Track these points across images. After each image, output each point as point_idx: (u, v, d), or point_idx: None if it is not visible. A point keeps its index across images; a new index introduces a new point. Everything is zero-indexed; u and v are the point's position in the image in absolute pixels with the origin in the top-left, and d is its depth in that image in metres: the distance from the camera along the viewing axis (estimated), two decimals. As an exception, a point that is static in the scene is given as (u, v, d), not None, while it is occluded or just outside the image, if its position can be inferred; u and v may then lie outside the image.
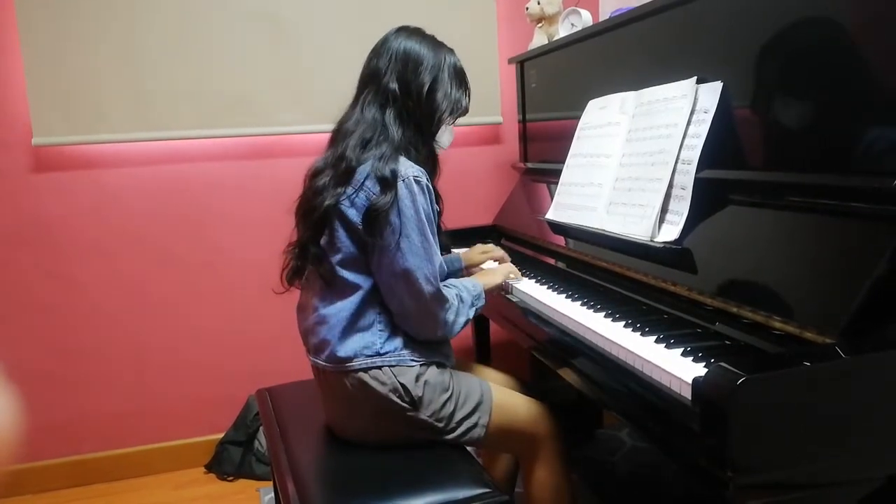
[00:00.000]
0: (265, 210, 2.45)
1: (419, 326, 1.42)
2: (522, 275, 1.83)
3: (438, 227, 1.50)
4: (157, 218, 2.41)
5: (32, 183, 2.30)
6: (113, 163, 2.36)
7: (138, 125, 2.32)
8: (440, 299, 1.41)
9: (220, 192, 2.46)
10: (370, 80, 1.48)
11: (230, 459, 2.44)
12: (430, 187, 1.42)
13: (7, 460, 0.58)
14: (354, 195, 1.37)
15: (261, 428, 2.41)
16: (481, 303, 1.56)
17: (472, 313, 1.51)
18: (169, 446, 2.50)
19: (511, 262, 1.88)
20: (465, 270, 1.87)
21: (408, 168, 1.39)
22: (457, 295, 1.48)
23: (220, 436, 2.49)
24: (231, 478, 2.43)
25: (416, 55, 1.47)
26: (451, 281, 1.54)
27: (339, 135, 1.47)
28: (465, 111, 1.58)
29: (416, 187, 1.37)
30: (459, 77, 1.55)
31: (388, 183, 1.35)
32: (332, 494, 1.28)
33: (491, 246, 1.94)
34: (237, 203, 2.48)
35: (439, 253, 1.44)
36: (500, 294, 1.76)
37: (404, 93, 1.45)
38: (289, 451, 1.46)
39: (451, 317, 1.44)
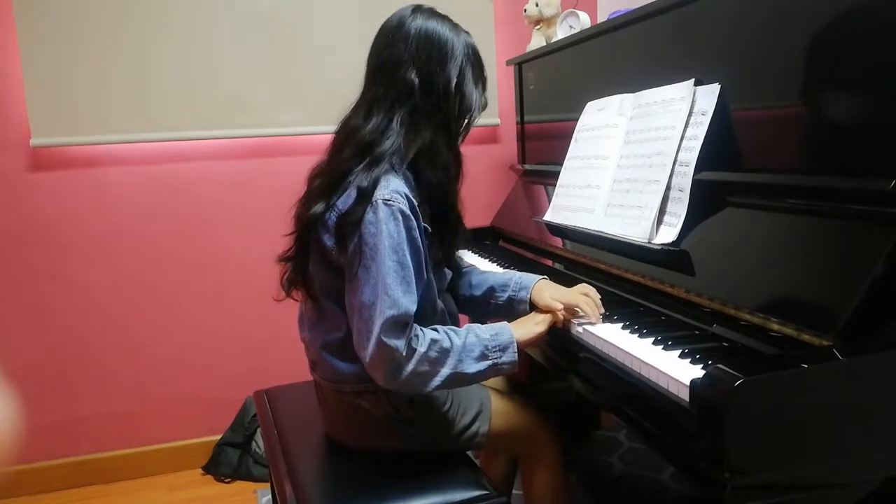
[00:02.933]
0: (264, 211, 2.45)
1: (371, 370, 1.21)
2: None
3: (442, 247, 1.35)
4: (155, 219, 2.41)
5: (31, 184, 2.30)
6: (111, 164, 2.36)
7: (137, 126, 2.32)
8: (384, 349, 1.16)
9: (218, 193, 2.46)
10: (382, 71, 1.28)
11: (227, 461, 2.44)
12: (407, 213, 1.20)
13: (4, 461, 0.58)
14: (327, 216, 1.24)
15: (258, 430, 2.41)
16: (508, 358, 1.25)
17: (480, 367, 1.24)
18: (166, 448, 2.50)
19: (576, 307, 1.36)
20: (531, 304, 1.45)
21: (383, 187, 1.20)
22: (434, 341, 1.21)
23: (218, 437, 2.49)
24: (228, 479, 2.43)
25: (440, 41, 1.26)
26: (471, 326, 1.30)
27: (340, 134, 1.33)
28: (486, 106, 1.38)
29: (383, 212, 1.18)
30: (480, 65, 1.34)
31: (363, 195, 1.19)
32: (330, 497, 1.28)
33: (583, 296, 1.36)
34: (236, 204, 2.48)
35: (403, 292, 1.18)
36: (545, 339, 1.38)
37: (427, 87, 1.25)
38: (286, 453, 1.46)
39: (412, 366, 1.19)
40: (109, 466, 2.44)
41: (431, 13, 1.32)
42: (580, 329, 1.31)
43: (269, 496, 2.17)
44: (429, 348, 1.21)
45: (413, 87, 1.25)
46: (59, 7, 2.21)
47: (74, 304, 2.37)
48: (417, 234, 1.24)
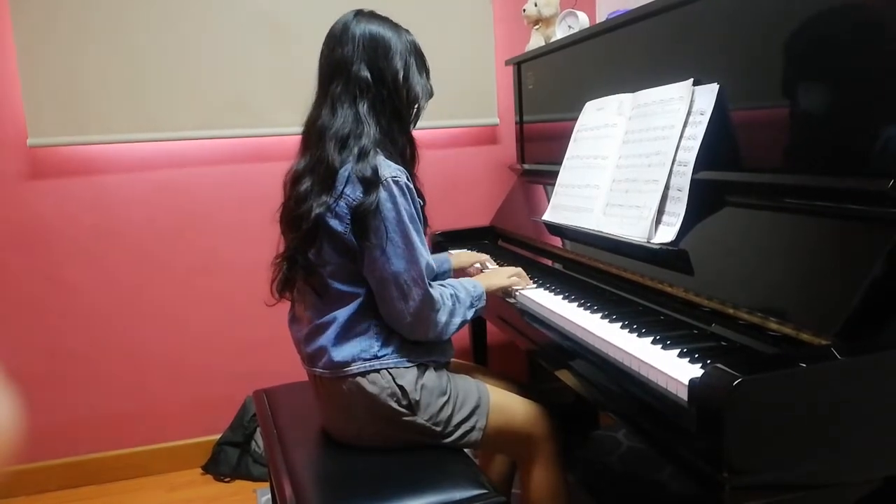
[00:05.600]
0: (263, 212, 2.39)
1: (410, 329, 1.38)
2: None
3: (423, 221, 1.47)
4: (153, 219, 2.41)
5: (27, 184, 2.30)
6: (109, 164, 2.36)
7: (134, 126, 2.31)
8: (430, 300, 1.37)
9: (217, 193, 2.46)
10: (337, 71, 1.40)
11: (227, 460, 2.44)
12: (410, 186, 1.38)
13: (4, 462, 0.58)
14: (335, 204, 1.33)
15: (258, 429, 2.41)
16: (481, 304, 1.52)
17: (470, 314, 1.48)
18: (166, 447, 2.50)
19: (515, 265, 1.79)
20: (455, 272, 1.84)
21: (385, 168, 1.34)
22: (452, 295, 1.45)
23: (217, 437, 2.49)
24: (228, 479, 2.43)
25: (383, 39, 1.40)
26: (450, 281, 1.52)
27: (312, 135, 1.42)
28: (433, 93, 1.51)
29: (395, 189, 1.33)
30: (422, 58, 1.48)
31: (370, 183, 1.32)
32: (329, 496, 1.28)
33: (481, 255, 1.92)
34: (235, 204, 2.48)
35: (427, 251, 1.41)
36: (499, 297, 1.72)
37: (378, 81, 1.39)
38: (286, 452, 1.46)
39: (443, 318, 1.41)
40: (109, 466, 2.44)
41: (372, 16, 1.45)
42: (519, 294, 1.67)
43: (269, 495, 2.17)
44: (448, 301, 1.43)
45: (368, 81, 1.39)
46: (56, 5, 2.21)
47: (73, 304, 2.37)
48: (418, 206, 1.42)
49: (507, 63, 2.46)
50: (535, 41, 2.35)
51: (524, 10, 2.34)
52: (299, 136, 2.39)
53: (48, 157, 2.31)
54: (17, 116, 2.25)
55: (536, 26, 2.35)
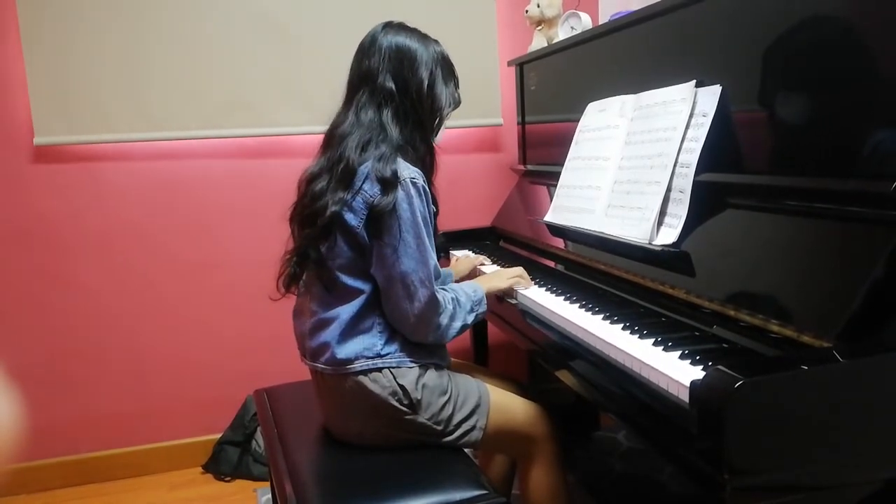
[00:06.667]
0: (265, 211, 2.45)
1: (413, 329, 1.40)
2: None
3: (434, 228, 1.48)
4: (157, 219, 2.41)
5: (34, 183, 2.30)
6: (114, 163, 2.36)
7: (140, 125, 2.32)
8: (435, 303, 1.39)
9: (219, 193, 2.46)
10: (363, 81, 1.45)
11: (227, 460, 2.44)
12: (427, 189, 1.41)
13: (5, 460, 0.58)
14: (352, 200, 1.36)
15: (258, 428, 2.41)
16: (482, 308, 1.53)
17: (471, 319, 1.49)
18: (166, 446, 2.50)
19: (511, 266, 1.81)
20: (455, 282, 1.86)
21: (404, 169, 1.37)
22: (453, 299, 1.46)
23: (218, 436, 2.49)
24: (228, 478, 2.43)
25: (409, 51, 1.44)
26: (452, 285, 1.53)
27: (333, 139, 1.44)
28: (460, 102, 1.55)
29: (412, 189, 1.36)
30: (449, 68, 1.52)
31: (389, 183, 1.34)
32: (329, 495, 1.28)
33: (474, 256, 1.97)
34: (237, 204, 2.48)
35: (435, 255, 1.43)
36: (501, 298, 1.72)
37: (402, 91, 1.43)
38: (286, 451, 1.46)
39: (444, 321, 1.42)
40: (109, 465, 2.44)
41: (400, 27, 1.49)
42: (520, 294, 1.67)
43: (269, 495, 2.17)
44: (450, 304, 1.44)
45: (392, 92, 1.42)
46: (62, 7, 2.21)
47: (75, 302, 2.37)
48: (432, 210, 1.45)
49: (510, 64, 2.46)
50: (538, 42, 2.35)
51: (527, 11, 2.34)
52: (301, 135, 2.44)
53: (54, 156, 2.31)
54: (24, 116, 2.25)
55: (539, 27, 2.35)
